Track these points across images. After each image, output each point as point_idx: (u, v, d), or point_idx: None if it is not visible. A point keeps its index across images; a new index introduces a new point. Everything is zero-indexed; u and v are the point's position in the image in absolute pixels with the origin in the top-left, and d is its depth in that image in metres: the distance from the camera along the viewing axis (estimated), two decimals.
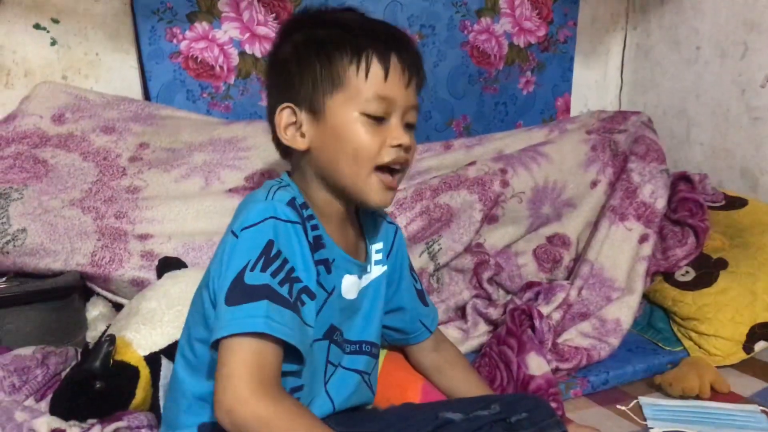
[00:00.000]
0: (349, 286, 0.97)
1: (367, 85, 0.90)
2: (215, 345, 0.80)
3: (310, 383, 0.92)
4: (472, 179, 1.68)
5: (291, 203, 0.88)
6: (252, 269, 0.81)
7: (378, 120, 0.91)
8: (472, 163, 1.75)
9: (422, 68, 0.96)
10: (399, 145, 0.91)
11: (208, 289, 0.88)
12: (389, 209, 1.57)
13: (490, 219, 1.72)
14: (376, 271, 1.03)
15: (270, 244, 0.83)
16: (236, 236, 0.84)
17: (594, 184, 1.82)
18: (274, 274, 0.81)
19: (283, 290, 0.81)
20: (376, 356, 1.04)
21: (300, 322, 0.82)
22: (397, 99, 0.91)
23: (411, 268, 1.12)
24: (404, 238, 1.12)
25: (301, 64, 0.92)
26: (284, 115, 0.93)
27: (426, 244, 1.62)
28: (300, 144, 0.93)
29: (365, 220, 1.04)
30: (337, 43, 0.91)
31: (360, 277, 0.99)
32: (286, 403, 0.77)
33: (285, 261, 0.83)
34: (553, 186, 1.77)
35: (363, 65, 0.90)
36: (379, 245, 1.04)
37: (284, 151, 0.98)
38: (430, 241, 1.62)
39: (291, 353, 0.82)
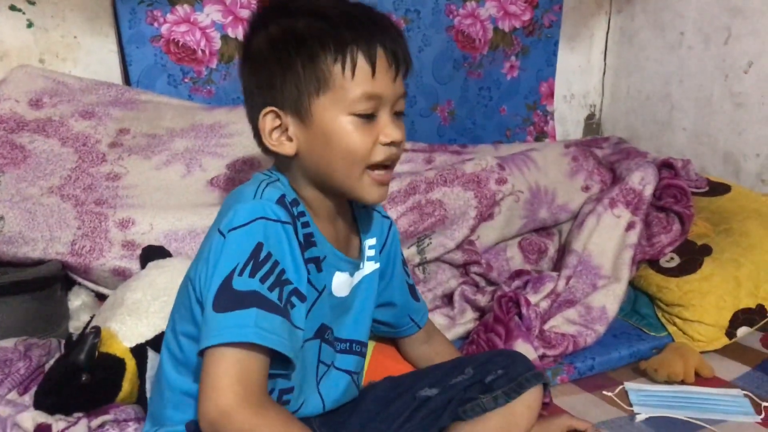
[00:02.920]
0: (340, 283, 0.95)
1: (354, 84, 0.85)
2: (203, 352, 0.78)
3: (300, 384, 0.91)
4: (468, 175, 1.65)
5: (281, 201, 0.85)
6: (240, 274, 0.79)
7: (367, 117, 0.87)
8: (470, 159, 1.72)
9: (408, 54, 0.92)
10: (391, 143, 0.88)
11: (194, 286, 0.86)
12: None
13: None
14: (368, 267, 1.01)
15: (259, 246, 0.80)
16: (224, 236, 0.81)
17: (586, 188, 1.80)
18: (263, 279, 0.79)
19: (273, 295, 0.79)
20: (364, 356, 1.03)
21: (290, 326, 0.80)
22: (386, 94, 0.88)
23: (404, 263, 1.10)
24: (398, 232, 1.09)
25: (281, 62, 0.87)
26: (268, 120, 0.89)
27: (417, 239, 1.59)
28: (288, 149, 0.89)
29: (360, 213, 1.02)
30: (319, 37, 0.85)
31: (352, 275, 0.97)
32: (270, 414, 0.76)
33: (275, 263, 0.81)
34: (545, 191, 1.75)
35: (348, 63, 0.85)
36: (372, 240, 1.02)
37: (268, 150, 0.93)
38: (422, 236, 1.59)
39: (280, 357, 0.80)
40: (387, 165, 0.90)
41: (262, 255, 0.80)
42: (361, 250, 1.00)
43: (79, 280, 1.42)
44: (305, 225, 0.89)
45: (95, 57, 1.76)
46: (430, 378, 1.03)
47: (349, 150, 0.87)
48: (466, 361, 1.06)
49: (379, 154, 0.88)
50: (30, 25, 1.69)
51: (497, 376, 0.98)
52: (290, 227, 0.83)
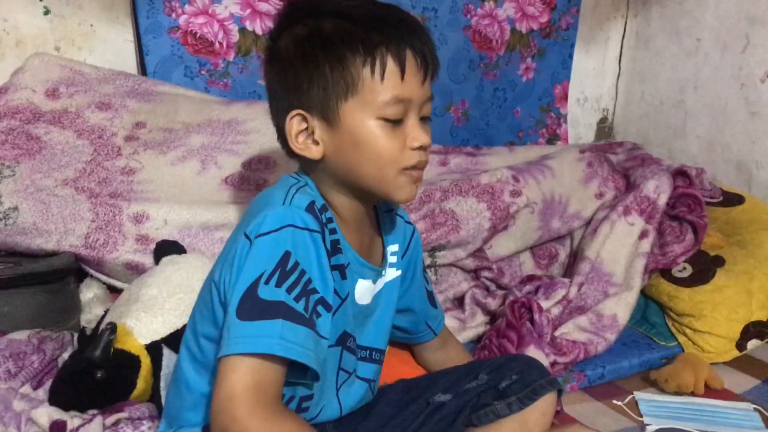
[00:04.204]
0: (363, 291, 0.94)
1: (384, 88, 0.84)
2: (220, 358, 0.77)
3: (320, 391, 0.91)
4: (483, 186, 1.63)
5: (310, 208, 0.83)
6: (267, 282, 0.78)
7: (396, 122, 0.86)
8: (486, 170, 1.71)
9: (436, 55, 0.90)
10: (420, 147, 0.87)
11: (218, 288, 0.85)
12: None
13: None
14: (390, 273, 1.00)
15: (287, 255, 0.79)
16: (250, 241, 0.80)
17: (600, 195, 1.79)
18: (290, 289, 0.78)
19: (299, 306, 0.78)
20: (382, 363, 1.03)
21: (315, 337, 0.79)
22: (414, 97, 0.86)
23: (423, 270, 1.10)
24: (420, 238, 1.09)
25: (307, 64, 0.85)
26: (294, 123, 0.87)
27: (431, 247, 1.57)
28: (315, 153, 0.88)
29: (383, 218, 1.01)
30: (347, 39, 0.84)
31: (374, 282, 0.96)
32: (283, 422, 0.75)
33: (302, 273, 0.79)
34: (559, 199, 1.74)
35: (378, 66, 0.83)
36: (395, 247, 1.01)
37: (293, 153, 0.91)
38: (436, 245, 1.57)
39: (303, 367, 0.79)
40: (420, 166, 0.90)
41: (290, 264, 0.79)
42: (383, 257, 0.99)
43: (92, 272, 1.41)
44: (332, 232, 0.88)
45: (111, 46, 1.75)
46: (443, 383, 1.03)
47: (379, 155, 0.86)
48: (480, 366, 1.05)
49: (411, 159, 0.87)
50: (47, 12, 1.67)
51: (511, 382, 0.98)
52: (318, 235, 0.82)
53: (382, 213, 1.01)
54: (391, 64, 0.84)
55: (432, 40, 0.90)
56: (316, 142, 0.88)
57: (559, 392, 1.01)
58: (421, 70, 0.87)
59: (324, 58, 0.85)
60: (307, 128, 0.88)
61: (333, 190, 0.91)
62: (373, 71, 0.84)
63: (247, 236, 0.81)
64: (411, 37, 0.86)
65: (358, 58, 0.84)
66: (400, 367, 1.17)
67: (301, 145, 0.88)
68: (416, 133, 0.87)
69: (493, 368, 1.01)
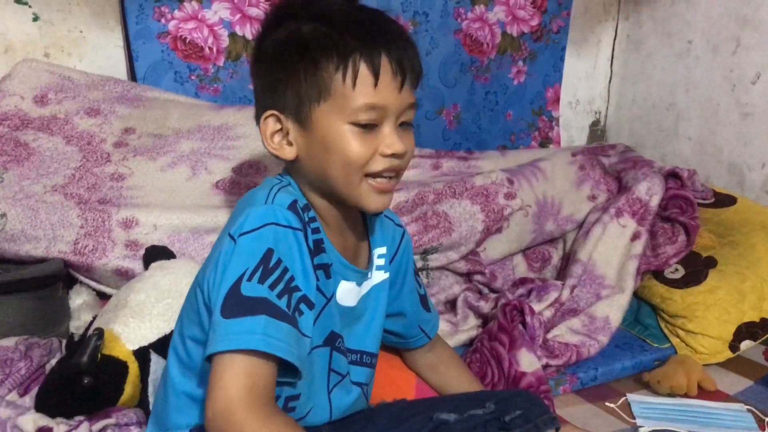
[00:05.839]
0: (345, 293, 0.93)
1: (356, 94, 0.83)
2: (210, 357, 0.77)
3: (308, 391, 0.90)
4: (477, 188, 1.63)
5: (292, 206, 0.84)
6: (249, 279, 0.78)
7: (369, 127, 0.85)
8: (480, 172, 1.71)
9: (418, 62, 0.89)
10: (392, 154, 0.87)
11: (201, 289, 0.85)
12: None
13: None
14: (377, 276, 0.99)
15: (269, 252, 0.79)
16: (234, 241, 0.80)
17: (592, 197, 1.78)
18: (272, 286, 0.78)
19: (282, 303, 0.78)
20: (374, 367, 1.02)
21: (297, 334, 0.79)
22: (389, 104, 0.85)
23: (415, 273, 1.09)
24: (411, 241, 1.08)
25: (284, 67, 0.86)
26: (269, 123, 0.88)
27: (424, 250, 1.57)
28: (288, 153, 0.88)
29: (371, 220, 1.00)
30: (322, 44, 0.83)
31: (359, 284, 0.96)
32: (277, 422, 0.75)
33: (285, 270, 0.80)
34: (552, 202, 1.73)
35: (350, 72, 0.83)
36: (382, 250, 1.00)
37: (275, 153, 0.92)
38: (429, 247, 1.57)
39: (287, 365, 0.79)
40: (389, 175, 0.89)
41: (272, 261, 0.79)
42: (370, 259, 0.99)
43: (81, 278, 1.41)
44: (315, 231, 0.88)
45: (101, 52, 1.74)
46: (448, 404, 1.02)
47: (348, 159, 0.85)
48: (486, 395, 1.05)
49: (378, 165, 0.86)
50: (36, 18, 1.67)
51: (515, 416, 0.97)
52: (300, 233, 0.82)
53: (370, 216, 1.00)
54: (364, 71, 0.84)
55: (414, 46, 0.89)
56: (291, 143, 0.88)
57: (557, 430, 1.01)
58: (398, 77, 0.86)
59: (299, 61, 0.85)
60: (281, 129, 0.88)
61: (310, 191, 0.91)
62: (344, 77, 0.83)
63: (231, 236, 0.81)
64: (387, 44, 0.85)
65: (331, 64, 0.84)
66: (390, 372, 1.16)
67: (276, 145, 0.89)
68: (391, 140, 0.86)
69: (500, 400, 1.01)
